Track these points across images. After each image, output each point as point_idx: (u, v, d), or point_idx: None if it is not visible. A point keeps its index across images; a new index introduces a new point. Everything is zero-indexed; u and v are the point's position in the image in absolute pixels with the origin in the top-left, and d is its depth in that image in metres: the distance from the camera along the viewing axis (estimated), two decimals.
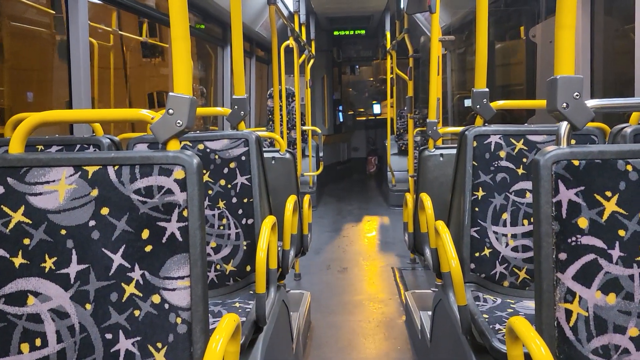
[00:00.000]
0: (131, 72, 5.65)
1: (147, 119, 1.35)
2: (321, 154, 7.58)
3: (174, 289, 1.30)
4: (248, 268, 2.24)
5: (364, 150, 12.01)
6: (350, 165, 11.50)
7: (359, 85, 13.29)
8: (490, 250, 2.13)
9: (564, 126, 1.27)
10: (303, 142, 8.03)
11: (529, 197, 2.13)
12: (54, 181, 1.32)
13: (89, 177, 1.32)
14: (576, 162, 1.23)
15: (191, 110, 1.34)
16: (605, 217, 1.22)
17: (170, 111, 1.33)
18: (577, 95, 1.24)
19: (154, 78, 7.03)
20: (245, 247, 2.23)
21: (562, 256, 1.22)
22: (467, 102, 7.41)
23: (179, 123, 1.33)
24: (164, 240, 1.30)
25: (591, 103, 1.27)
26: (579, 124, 1.25)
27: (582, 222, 1.22)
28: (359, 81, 13.25)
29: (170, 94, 1.34)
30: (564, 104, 1.25)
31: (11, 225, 1.30)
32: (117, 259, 1.31)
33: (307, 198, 3.36)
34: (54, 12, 4.10)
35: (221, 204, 2.25)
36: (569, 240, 1.21)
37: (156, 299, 1.30)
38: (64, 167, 1.33)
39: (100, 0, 3.60)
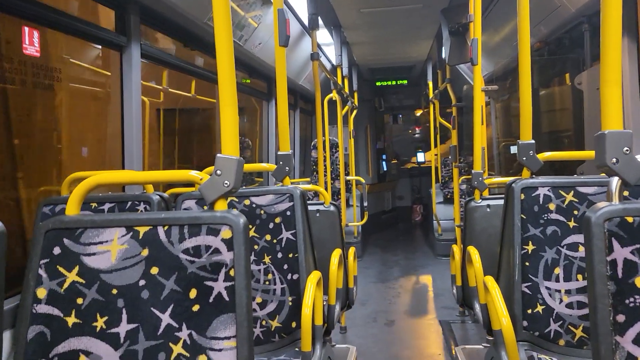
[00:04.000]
0: None
1: (196, 180, 1.40)
2: (365, 204, 7.55)
3: (220, 350, 1.30)
4: (294, 324, 2.23)
5: (408, 199, 11.90)
6: (395, 214, 11.40)
7: (402, 133, 13.33)
8: (543, 306, 2.05)
9: (614, 182, 1.24)
10: (347, 191, 8.04)
11: (582, 251, 2.05)
12: (107, 241, 1.37)
13: (140, 237, 1.36)
14: (630, 219, 1.18)
15: (238, 171, 1.38)
16: None
17: (218, 172, 1.37)
18: (627, 150, 1.22)
19: None
20: (290, 303, 2.23)
21: (620, 318, 1.16)
22: (513, 149, 7.31)
23: (226, 183, 1.36)
24: (211, 300, 1.32)
25: None
26: (630, 179, 1.22)
27: None
28: (403, 130, 13.30)
29: (218, 155, 1.38)
30: (614, 159, 1.22)
31: (66, 285, 1.34)
32: (166, 319, 1.33)
33: (352, 250, 3.34)
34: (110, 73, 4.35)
35: (267, 259, 2.26)
36: (627, 301, 1.16)
37: (203, 359, 1.31)
38: (117, 228, 1.38)
39: (152, 62, 3.78)
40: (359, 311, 5.35)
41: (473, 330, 4.68)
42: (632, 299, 1.16)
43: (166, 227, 1.36)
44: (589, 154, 2.59)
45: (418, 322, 5.05)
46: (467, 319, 4.94)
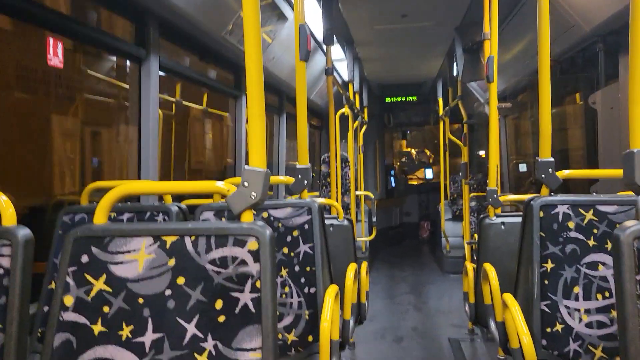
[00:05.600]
0: None
1: (223, 191, 1.41)
2: (374, 219, 7.54)
3: None
4: (310, 338, 2.22)
5: (416, 215, 11.86)
6: (403, 230, 11.36)
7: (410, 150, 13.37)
8: (562, 325, 2.04)
9: None
10: (356, 206, 8.03)
11: (601, 270, 2.04)
12: (134, 250, 1.37)
13: (167, 247, 1.37)
14: None
15: (265, 183, 1.39)
16: None
17: (245, 184, 1.38)
18: None
19: None
20: (307, 317, 2.22)
21: None
22: (522, 168, 7.30)
23: (253, 195, 1.37)
24: (236, 311, 1.32)
25: None
26: None
27: None
28: (411, 146, 13.33)
29: (246, 167, 1.39)
30: None
31: (93, 293, 1.35)
32: (191, 329, 1.33)
33: (364, 265, 3.33)
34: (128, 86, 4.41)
35: (284, 272, 2.26)
36: None
37: None
38: (144, 237, 1.38)
39: (170, 74, 3.82)
40: (367, 327, 5.31)
41: (482, 349, 4.64)
42: None
43: (193, 238, 1.37)
44: (610, 172, 2.57)
45: (427, 340, 5.01)
46: (476, 337, 4.90)
